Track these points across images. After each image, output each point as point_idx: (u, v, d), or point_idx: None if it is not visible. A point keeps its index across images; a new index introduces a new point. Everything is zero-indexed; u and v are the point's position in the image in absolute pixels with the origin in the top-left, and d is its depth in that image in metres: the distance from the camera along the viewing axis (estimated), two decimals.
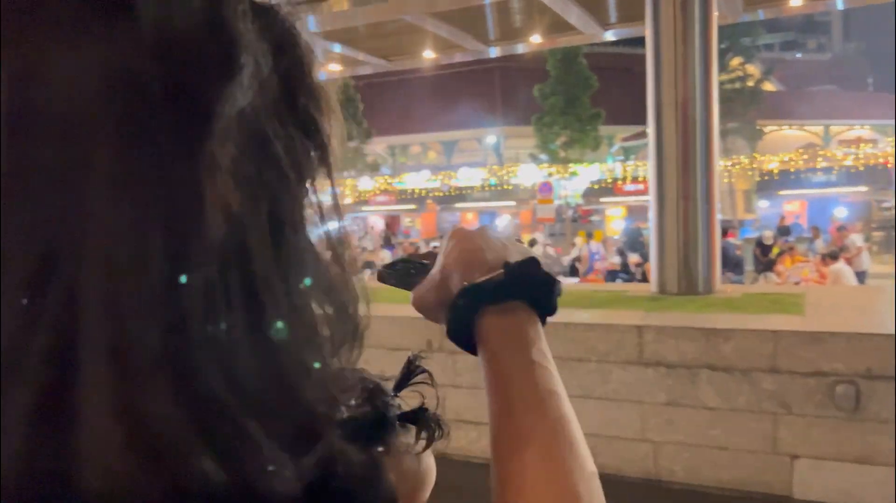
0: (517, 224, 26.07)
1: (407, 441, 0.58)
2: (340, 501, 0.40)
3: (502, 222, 26.02)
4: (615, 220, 24.38)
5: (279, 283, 0.37)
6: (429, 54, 9.95)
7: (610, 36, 9.82)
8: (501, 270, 0.59)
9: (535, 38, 9.79)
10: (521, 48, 10.79)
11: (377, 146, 28.42)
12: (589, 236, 16.11)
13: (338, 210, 0.45)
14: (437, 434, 0.59)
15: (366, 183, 27.35)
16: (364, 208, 27.45)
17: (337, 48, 10.08)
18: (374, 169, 27.35)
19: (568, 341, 5.01)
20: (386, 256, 18.40)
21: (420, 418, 0.59)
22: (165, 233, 0.33)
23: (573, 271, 14.16)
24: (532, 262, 0.60)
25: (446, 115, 27.70)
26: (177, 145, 0.33)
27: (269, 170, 0.38)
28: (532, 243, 14.89)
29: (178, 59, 0.34)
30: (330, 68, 11.32)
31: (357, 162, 26.46)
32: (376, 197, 27.07)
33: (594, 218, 25.88)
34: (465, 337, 0.59)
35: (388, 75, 25.93)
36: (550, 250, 15.86)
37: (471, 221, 27.26)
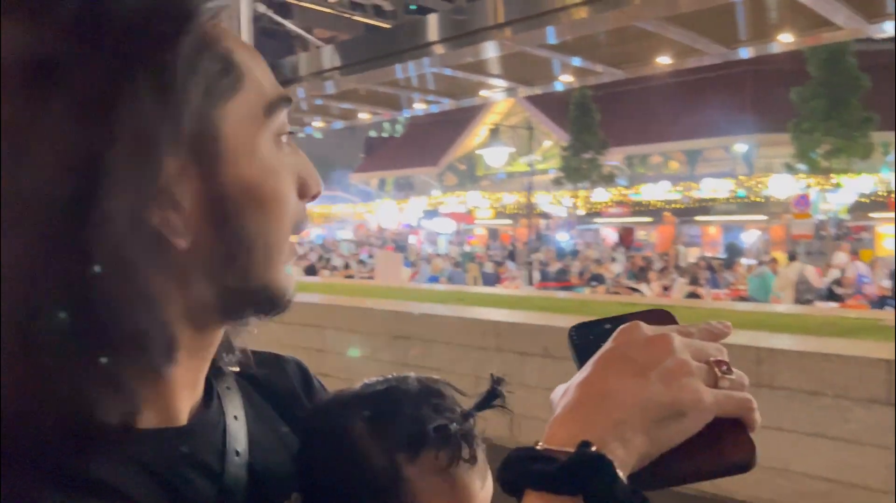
0: (766, 240, 23.91)
1: (432, 455, 0.57)
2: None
3: (750, 237, 24.04)
4: (887, 239, 21.28)
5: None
6: (664, 60, 9.56)
7: (879, 31, 8.66)
8: (568, 452, 0.46)
9: (786, 38, 8.94)
10: (771, 48, 9.93)
11: (614, 156, 27.86)
12: (854, 255, 14.28)
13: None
14: (462, 454, 0.58)
15: (600, 194, 26.94)
16: (596, 220, 27.03)
17: (576, 61, 10.11)
18: (609, 180, 26.83)
19: (800, 371, 4.50)
20: (616, 269, 17.97)
21: (448, 434, 0.57)
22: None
23: (832, 295, 12.66)
24: (602, 462, 0.46)
25: (691, 122, 26.29)
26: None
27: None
28: (792, 257, 13.53)
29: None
30: (562, 79, 11.41)
31: (591, 173, 26.18)
32: (609, 209, 26.51)
33: (864, 235, 22.83)
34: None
35: (628, 83, 25.36)
36: (810, 270, 14.30)
37: (713, 236, 25.53)
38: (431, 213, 31.99)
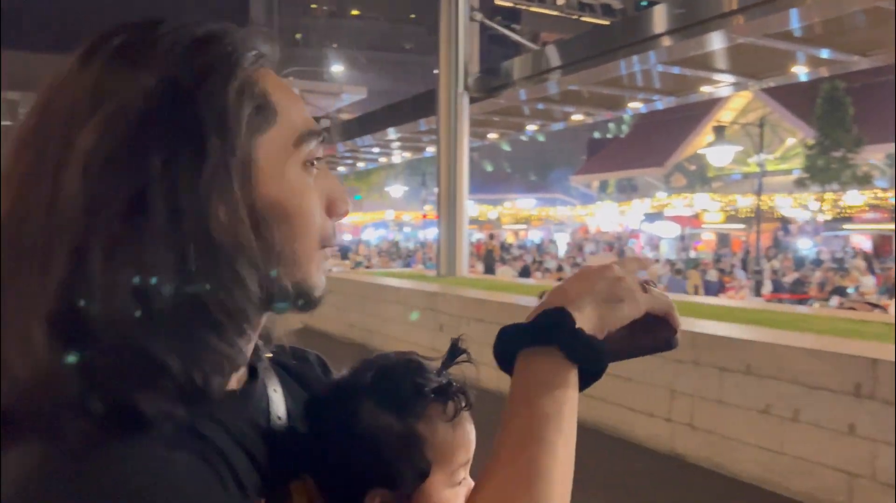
0: None
1: (439, 410, 0.68)
2: (379, 465, 0.65)
3: None
4: None
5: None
6: None
7: None
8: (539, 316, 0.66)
9: None
10: None
11: (870, 154, 24.59)
12: None
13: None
14: (463, 404, 0.70)
15: (853, 197, 23.95)
16: (846, 226, 24.02)
17: (814, 49, 9.08)
18: (864, 181, 23.71)
19: None
20: (866, 282, 15.82)
21: (448, 392, 0.69)
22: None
23: None
24: (563, 314, 0.64)
25: None
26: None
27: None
28: None
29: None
30: (794, 70, 10.34)
31: (841, 173, 23.35)
32: (862, 213, 23.43)
33: None
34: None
35: (883, 74, 22.21)
36: None
37: None
38: (654, 217, 30.67)
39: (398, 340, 9.05)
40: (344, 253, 22.32)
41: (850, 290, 14.22)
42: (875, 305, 8.74)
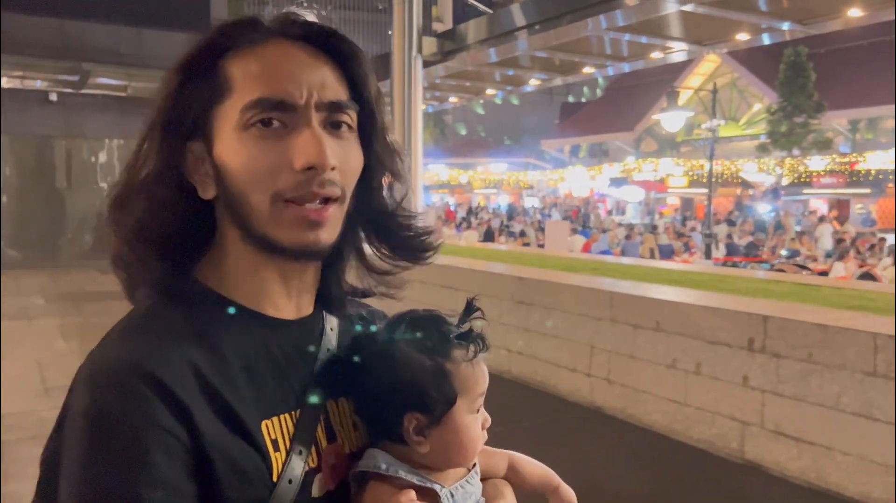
0: None
1: (462, 352, 0.84)
2: (416, 394, 0.80)
3: None
4: None
5: None
6: (854, 13, 8.43)
7: None
8: None
9: None
10: None
11: (832, 121, 24.95)
12: None
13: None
14: (481, 347, 0.85)
15: (816, 163, 24.31)
16: (805, 191, 24.47)
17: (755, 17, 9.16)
18: (824, 146, 24.09)
19: None
20: (820, 245, 16.27)
21: (469, 337, 0.84)
22: None
23: None
24: None
25: None
26: None
27: None
28: None
29: None
30: (738, 38, 10.50)
31: (803, 138, 23.69)
32: (821, 178, 23.88)
33: None
34: None
35: (850, 39, 22.42)
36: None
37: None
38: (619, 182, 30.93)
39: None
40: None
41: (801, 253, 14.65)
42: (803, 267, 9.05)
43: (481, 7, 12.76)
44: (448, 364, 0.82)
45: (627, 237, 15.78)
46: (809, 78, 23.31)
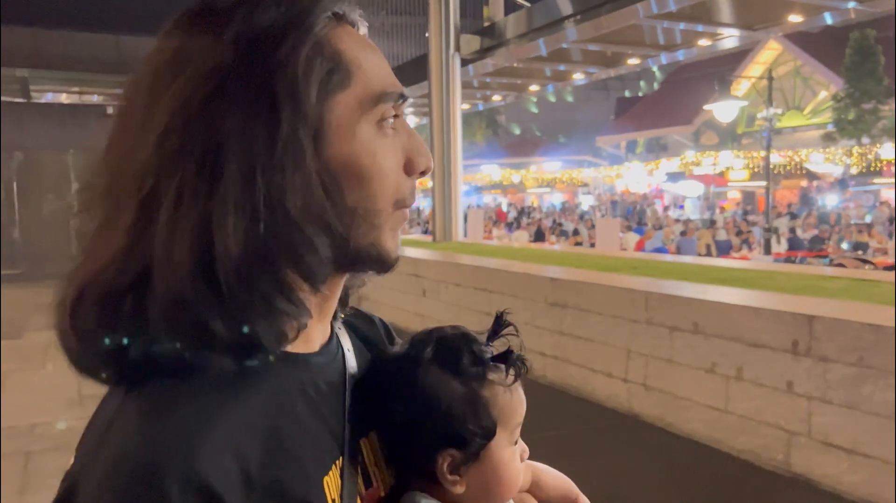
0: None
1: (500, 376, 0.74)
2: (450, 427, 0.69)
3: None
4: None
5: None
6: None
7: None
8: None
9: None
10: None
11: None
12: None
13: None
14: (522, 371, 0.75)
15: (888, 150, 23.00)
16: (876, 180, 23.18)
17: None
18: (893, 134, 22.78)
19: None
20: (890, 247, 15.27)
21: (508, 359, 0.74)
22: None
23: None
24: None
25: None
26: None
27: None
28: None
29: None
30: (791, 20, 9.92)
31: (873, 125, 22.46)
32: (892, 167, 22.56)
33: None
34: None
35: None
36: None
37: None
38: (677, 177, 30.00)
39: (386, 306, 9.11)
40: None
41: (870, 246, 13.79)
42: (865, 261, 8.41)
43: (526, 4, 12.53)
44: (485, 391, 0.72)
45: (683, 233, 15.18)
46: (878, 62, 22.12)
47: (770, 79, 16.08)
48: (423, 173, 0.68)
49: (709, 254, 13.98)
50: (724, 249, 14.52)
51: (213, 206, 0.56)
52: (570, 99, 54.16)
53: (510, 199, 37.66)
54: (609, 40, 11.76)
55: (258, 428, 0.57)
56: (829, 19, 10.54)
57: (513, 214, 27.63)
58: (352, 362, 0.73)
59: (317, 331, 0.69)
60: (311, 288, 0.61)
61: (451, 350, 0.73)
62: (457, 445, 0.71)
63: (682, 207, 28.32)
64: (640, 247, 15.45)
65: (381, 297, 9.59)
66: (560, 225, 21.50)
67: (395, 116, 0.66)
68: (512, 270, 7.01)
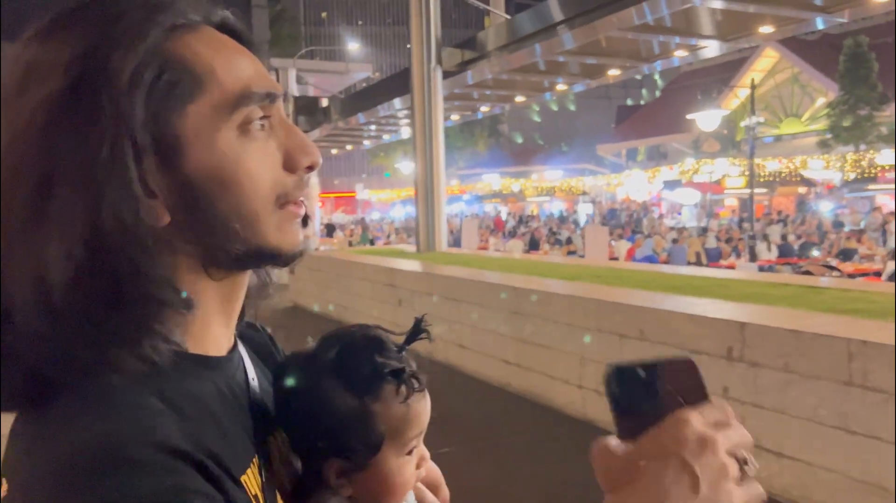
0: None
1: (394, 390, 0.73)
2: (335, 438, 0.70)
3: None
4: None
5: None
6: None
7: None
8: None
9: None
10: None
11: None
12: None
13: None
14: (415, 387, 0.74)
15: (885, 157, 22.97)
16: (870, 186, 23.17)
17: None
18: (890, 140, 22.79)
19: None
20: (888, 243, 15.25)
21: (400, 377, 0.73)
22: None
23: None
24: None
25: None
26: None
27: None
28: None
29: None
30: (761, 31, 10.04)
31: (868, 132, 22.48)
32: (888, 173, 22.54)
33: None
34: None
35: None
36: None
37: None
38: (674, 184, 30.05)
39: (363, 315, 9.27)
40: (330, 231, 22.58)
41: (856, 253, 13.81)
42: (831, 268, 8.47)
43: (506, 16, 12.70)
44: (376, 405, 0.72)
45: (675, 241, 15.25)
46: (872, 68, 22.16)
47: (752, 87, 16.17)
48: (310, 168, 0.66)
49: (699, 262, 14.03)
50: (713, 257, 14.58)
51: (42, 236, 0.55)
52: (572, 108, 54.22)
53: (510, 208, 37.78)
54: (587, 52, 11.92)
55: (183, 425, 0.56)
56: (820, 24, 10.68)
57: (512, 223, 27.76)
58: (250, 369, 0.74)
59: (224, 336, 0.69)
60: (140, 308, 0.58)
61: (352, 358, 0.73)
62: (342, 455, 0.73)
63: (679, 215, 28.34)
64: (630, 255, 15.51)
65: (359, 306, 9.75)
66: (555, 234, 21.60)
67: (266, 117, 0.64)
68: (479, 280, 7.15)
